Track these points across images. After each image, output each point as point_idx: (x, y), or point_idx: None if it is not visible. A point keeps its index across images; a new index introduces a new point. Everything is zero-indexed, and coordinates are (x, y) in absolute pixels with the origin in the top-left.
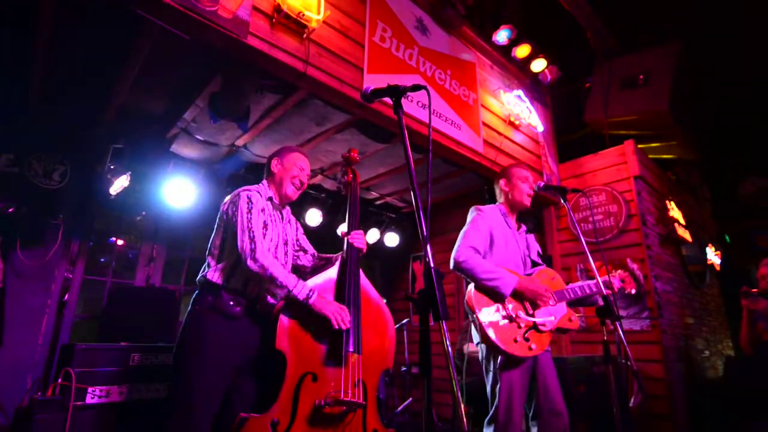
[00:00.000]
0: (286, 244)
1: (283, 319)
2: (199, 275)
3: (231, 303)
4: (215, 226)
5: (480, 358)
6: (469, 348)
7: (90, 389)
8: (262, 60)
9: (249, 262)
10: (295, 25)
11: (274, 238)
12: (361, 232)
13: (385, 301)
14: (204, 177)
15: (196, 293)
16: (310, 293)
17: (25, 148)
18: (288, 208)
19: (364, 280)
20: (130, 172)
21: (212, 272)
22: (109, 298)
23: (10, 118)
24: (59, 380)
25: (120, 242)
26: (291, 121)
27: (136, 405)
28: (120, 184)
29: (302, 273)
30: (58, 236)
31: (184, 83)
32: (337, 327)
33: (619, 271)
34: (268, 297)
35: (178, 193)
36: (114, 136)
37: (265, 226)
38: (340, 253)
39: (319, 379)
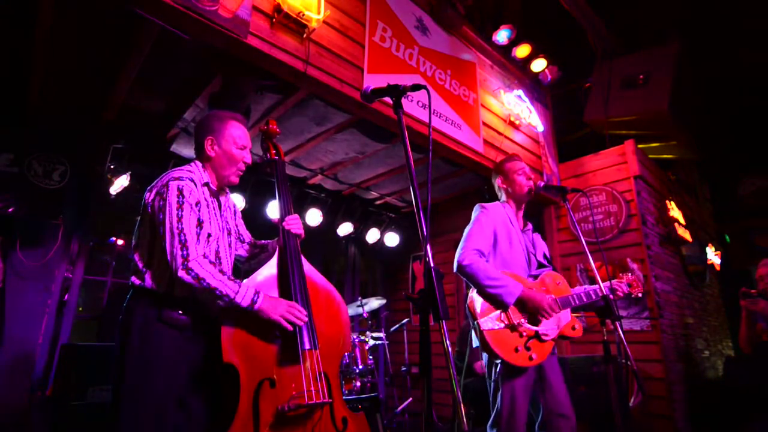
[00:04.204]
0: (229, 234)
1: (226, 329)
2: (133, 278)
3: (179, 312)
4: (139, 217)
5: (483, 361)
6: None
7: (90, 389)
8: (262, 60)
9: (180, 273)
10: (295, 24)
11: (214, 231)
12: (297, 216)
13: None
14: None
15: (129, 299)
16: (255, 297)
17: (25, 148)
18: (227, 191)
19: (307, 267)
20: (130, 172)
21: (150, 279)
22: (109, 298)
23: (10, 118)
24: (59, 380)
25: (120, 242)
26: (291, 121)
27: None
28: (120, 184)
29: (239, 263)
30: (58, 236)
31: (184, 83)
32: (292, 329)
33: (627, 274)
34: (219, 302)
35: None
36: (114, 136)
37: (200, 224)
38: (276, 239)
39: (277, 384)
